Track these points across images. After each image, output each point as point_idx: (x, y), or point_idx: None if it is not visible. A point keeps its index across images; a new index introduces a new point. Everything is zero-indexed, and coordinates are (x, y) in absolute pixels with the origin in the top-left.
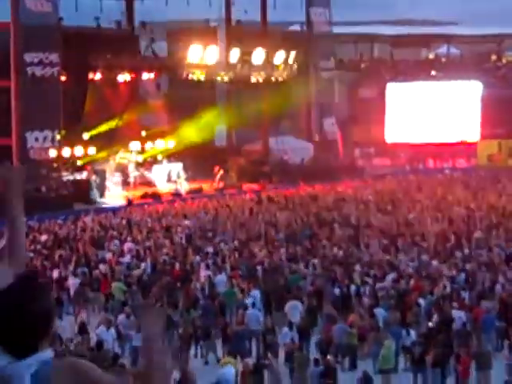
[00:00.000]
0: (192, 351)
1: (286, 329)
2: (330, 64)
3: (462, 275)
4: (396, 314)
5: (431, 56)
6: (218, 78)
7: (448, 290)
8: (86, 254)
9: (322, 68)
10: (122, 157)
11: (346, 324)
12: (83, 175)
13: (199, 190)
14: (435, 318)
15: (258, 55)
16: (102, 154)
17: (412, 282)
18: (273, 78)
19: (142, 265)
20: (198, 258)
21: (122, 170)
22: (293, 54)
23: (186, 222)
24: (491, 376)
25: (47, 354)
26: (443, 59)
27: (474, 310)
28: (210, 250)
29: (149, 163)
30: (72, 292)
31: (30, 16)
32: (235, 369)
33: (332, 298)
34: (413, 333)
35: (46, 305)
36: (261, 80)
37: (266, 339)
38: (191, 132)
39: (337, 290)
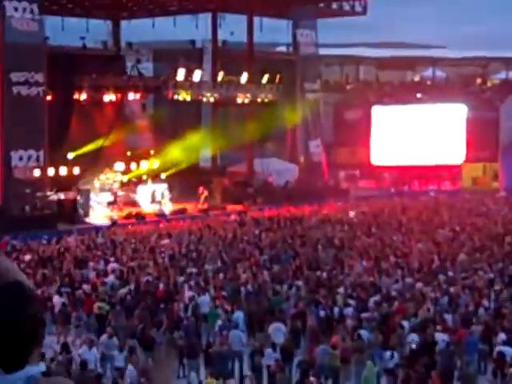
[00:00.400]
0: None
1: (269, 350)
2: (315, 86)
3: (446, 298)
4: (379, 336)
5: (417, 78)
6: (204, 99)
7: (431, 312)
8: (69, 274)
9: (307, 89)
10: (106, 177)
11: (329, 345)
12: (68, 195)
13: (183, 211)
14: (418, 340)
15: (244, 76)
16: (87, 174)
17: (396, 304)
18: (258, 99)
19: (126, 285)
20: (181, 278)
21: (107, 190)
22: (279, 75)
23: (168, 242)
24: None
25: (38, 368)
26: (428, 82)
27: (457, 332)
28: (194, 270)
29: (133, 183)
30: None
31: (16, 35)
32: None
33: (316, 320)
34: (396, 355)
35: (35, 312)
36: (246, 101)
37: (253, 360)
38: (176, 153)
39: (321, 312)
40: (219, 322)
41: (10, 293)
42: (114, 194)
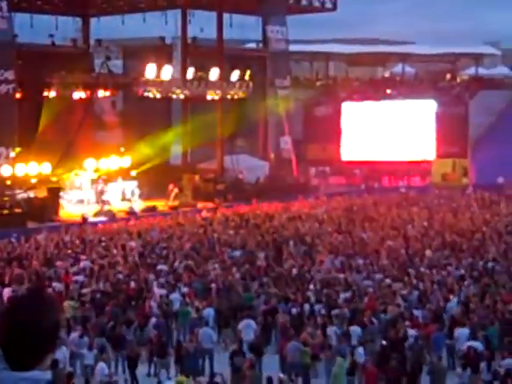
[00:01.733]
0: (145, 370)
1: (234, 346)
2: (286, 82)
3: (415, 294)
4: (349, 332)
5: (386, 74)
6: (174, 96)
7: (401, 308)
8: (38, 272)
9: (278, 86)
10: (76, 174)
11: (300, 342)
12: (37, 193)
13: (154, 209)
14: (389, 336)
15: (214, 73)
16: (57, 172)
17: (366, 300)
18: (229, 96)
19: (96, 283)
20: (151, 276)
21: (77, 187)
22: (248, 71)
23: (134, 245)
24: None
25: (45, 374)
26: (398, 78)
27: (426, 327)
28: (164, 268)
29: (103, 181)
30: None
31: None
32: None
33: (287, 317)
34: (366, 351)
35: (53, 319)
36: (217, 98)
37: (233, 361)
38: (146, 150)
39: (293, 310)
40: (189, 320)
41: (39, 297)
42: (84, 192)
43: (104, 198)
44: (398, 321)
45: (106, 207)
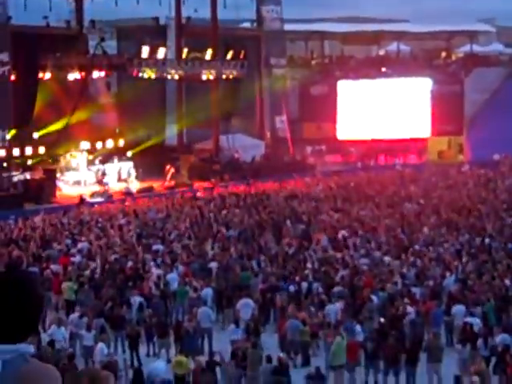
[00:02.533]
0: (145, 350)
1: (232, 325)
2: (281, 61)
3: (413, 271)
4: (348, 310)
5: (381, 53)
6: (169, 76)
7: (399, 286)
8: (36, 254)
9: (273, 65)
10: (72, 156)
11: (299, 321)
12: (34, 175)
13: (150, 189)
14: (387, 314)
15: (209, 53)
16: (53, 153)
17: (364, 278)
18: (224, 76)
19: (94, 264)
20: (149, 256)
21: (73, 169)
22: (243, 51)
23: (136, 222)
24: (441, 369)
25: (28, 348)
26: (393, 56)
27: (424, 305)
28: (161, 248)
29: (99, 162)
30: None
31: None
32: (166, 364)
33: (285, 295)
34: (364, 329)
35: (36, 294)
36: (211, 77)
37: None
38: (142, 130)
39: (291, 288)
40: (188, 299)
41: (21, 274)
42: (80, 173)
43: (105, 180)
44: (396, 298)
45: (107, 188)
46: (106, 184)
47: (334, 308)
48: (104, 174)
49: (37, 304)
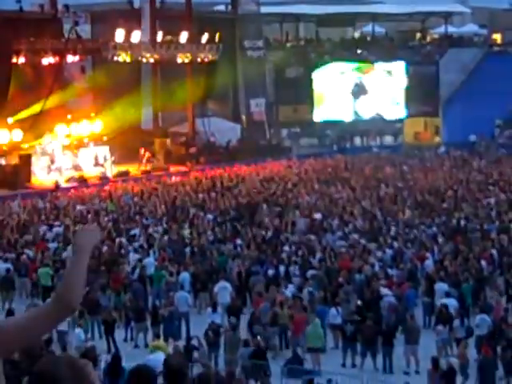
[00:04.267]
0: (122, 335)
1: (209, 309)
2: (257, 44)
3: (389, 253)
4: (324, 293)
5: (357, 35)
6: (144, 60)
7: (376, 268)
8: (12, 240)
9: (249, 48)
10: (47, 141)
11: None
12: (9, 160)
13: (126, 173)
14: (364, 296)
15: (183, 36)
16: (28, 139)
17: (340, 261)
18: (199, 59)
19: (69, 249)
20: (125, 241)
21: (48, 154)
22: (218, 34)
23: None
24: (418, 351)
25: None
26: (368, 38)
27: (400, 286)
28: (138, 232)
29: (75, 147)
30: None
31: None
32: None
33: (262, 279)
34: (341, 311)
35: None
36: (187, 61)
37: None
38: (117, 115)
39: (269, 271)
40: (164, 284)
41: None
42: (56, 158)
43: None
44: (372, 280)
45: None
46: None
47: (311, 291)
48: (53, 161)
49: None
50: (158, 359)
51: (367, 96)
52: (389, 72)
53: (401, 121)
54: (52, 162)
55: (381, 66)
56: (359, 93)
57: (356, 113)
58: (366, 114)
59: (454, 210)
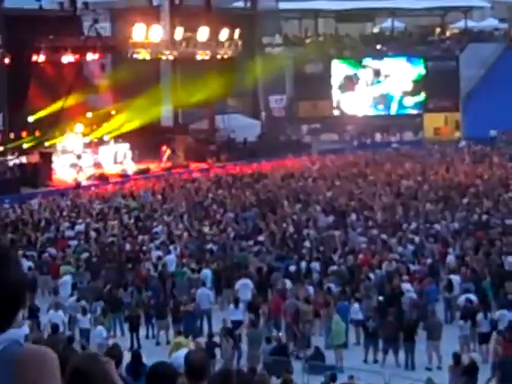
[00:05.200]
0: (143, 332)
1: (231, 306)
2: (277, 40)
3: (411, 248)
4: (346, 288)
5: (376, 30)
6: (163, 57)
7: (397, 263)
8: (33, 238)
9: (268, 44)
10: (68, 139)
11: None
12: (29, 159)
13: (146, 171)
14: (385, 292)
15: (203, 33)
16: (48, 137)
17: (361, 256)
18: (218, 56)
19: (92, 247)
20: (147, 238)
21: (69, 152)
22: (237, 31)
23: (133, 204)
24: (440, 347)
25: (21, 331)
26: (388, 33)
27: (421, 282)
28: (159, 229)
29: (95, 144)
30: None
31: None
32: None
33: (284, 275)
34: (363, 307)
35: (19, 274)
36: (206, 58)
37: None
38: (137, 112)
39: (291, 267)
40: (186, 281)
41: (1, 254)
42: (76, 156)
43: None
44: (394, 276)
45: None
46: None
47: (333, 287)
48: (79, 157)
49: (16, 285)
50: (182, 357)
51: (387, 91)
52: (408, 67)
53: (421, 116)
54: (79, 157)
55: (400, 61)
56: (379, 88)
57: (376, 108)
58: (386, 110)
59: (475, 205)
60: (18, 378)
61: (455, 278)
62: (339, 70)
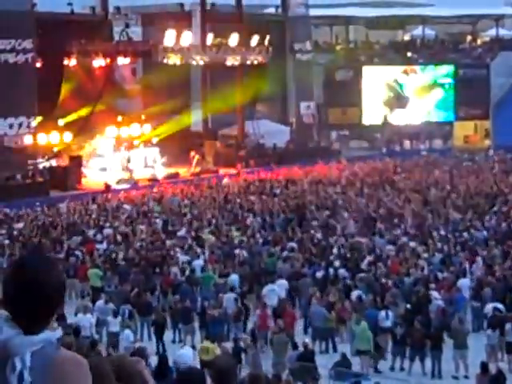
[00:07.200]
0: (170, 336)
1: (257, 311)
2: (307, 47)
3: (439, 256)
4: (373, 296)
5: (406, 38)
6: (194, 62)
7: (425, 271)
8: (62, 241)
9: (298, 51)
10: (98, 142)
11: (324, 307)
12: (59, 162)
13: (176, 175)
14: (413, 299)
15: (233, 38)
16: (78, 140)
17: (389, 263)
18: (248, 62)
19: (120, 251)
20: (175, 242)
21: (99, 155)
22: (268, 37)
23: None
24: (467, 355)
25: (55, 333)
26: (418, 41)
27: (449, 290)
28: (187, 234)
29: (125, 149)
30: None
31: (3, 2)
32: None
33: (311, 281)
34: (391, 314)
35: (59, 277)
36: (236, 63)
37: None
38: (167, 117)
39: (318, 274)
40: (213, 286)
41: (41, 258)
42: (106, 160)
43: (130, 165)
44: (421, 284)
45: (133, 175)
46: (132, 170)
47: (360, 294)
48: (129, 160)
49: (57, 286)
50: (186, 354)
51: (417, 98)
52: (438, 75)
53: (450, 124)
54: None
55: (430, 69)
56: (408, 95)
57: (405, 115)
58: (416, 117)
59: (504, 214)
60: (53, 382)
61: (464, 281)
62: (370, 76)
